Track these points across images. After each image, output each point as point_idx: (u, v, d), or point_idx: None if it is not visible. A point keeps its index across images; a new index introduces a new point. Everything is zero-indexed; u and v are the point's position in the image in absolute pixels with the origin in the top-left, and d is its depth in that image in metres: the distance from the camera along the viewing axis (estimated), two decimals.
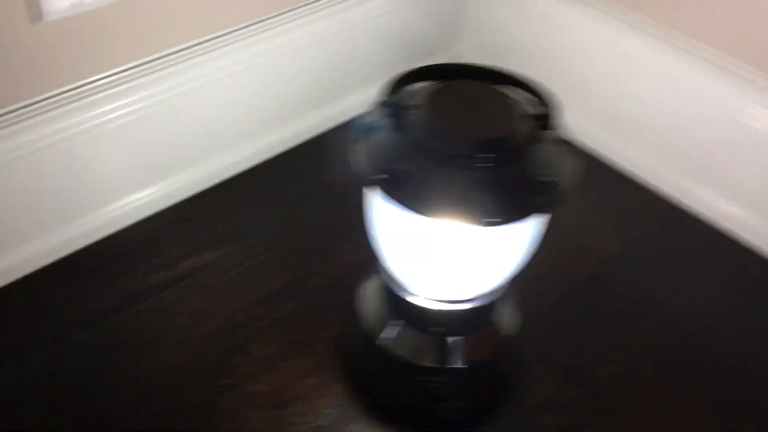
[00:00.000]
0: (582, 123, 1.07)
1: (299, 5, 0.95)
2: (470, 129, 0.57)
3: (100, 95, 0.82)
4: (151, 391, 0.76)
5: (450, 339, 0.70)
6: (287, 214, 0.95)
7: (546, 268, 0.91)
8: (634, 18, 0.97)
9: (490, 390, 0.76)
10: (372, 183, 0.57)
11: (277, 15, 0.93)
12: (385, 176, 0.57)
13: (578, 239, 0.96)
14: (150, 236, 0.91)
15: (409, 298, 0.69)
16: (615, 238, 0.96)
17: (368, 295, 0.76)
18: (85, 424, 0.73)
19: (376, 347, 0.73)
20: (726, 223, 0.96)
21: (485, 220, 0.55)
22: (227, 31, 0.90)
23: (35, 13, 0.72)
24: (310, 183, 0.99)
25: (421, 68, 0.63)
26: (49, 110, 0.79)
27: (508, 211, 0.56)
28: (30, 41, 0.74)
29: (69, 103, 0.80)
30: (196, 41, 0.87)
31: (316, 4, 0.96)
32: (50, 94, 0.78)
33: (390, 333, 0.72)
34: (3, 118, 0.76)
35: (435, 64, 0.63)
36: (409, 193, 0.56)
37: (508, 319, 0.74)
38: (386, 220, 0.63)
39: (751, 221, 0.94)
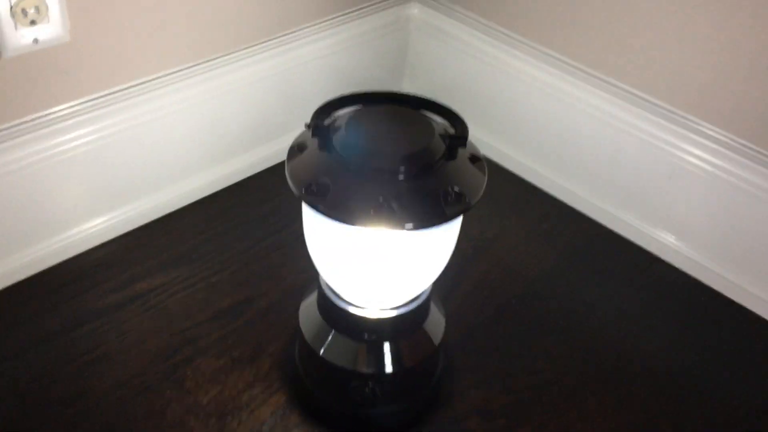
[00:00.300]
0: (515, 154, 1.15)
1: (248, 45, 1.02)
2: (387, 145, 0.64)
3: (57, 126, 0.87)
4: (100, 404, 0.80)
5: (381, 345, 0.76)
6: (234, 241, 1.01)
7: (479, 286, 0.98)
8: (555, 56, 1.06)
9: (422, 395, 0.81)
10: (299, 196, 0.63)
11: (226, 54, 1.00)
12: (311, 188, 0.63)
13: (510, 260, 1.02)
14: (104, 261, 0.96)
15: (342, 306, 0.74)
16: (545, 257, 1.03)
17: (308, 309, 0.81)
18: (34, 429, 0.76)
19: (315, 357, 0.77)
20: (647, 244, 1.04)
21: (399, 225, 0.61)
22: (178, 68, 0.96)
23: (1, 48, 0.78)
24: (257, 212, 1.05)
25: (348, 94, 0.69)
26: (9, 139, 0.84)
27: (420, 218, 0.62)
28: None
29: (28, 132, 0.85)
30: (148, 78, 0.94)
31: (264, 44, 1.04)
32: (10, 124, 0.84)
33: (326, 343, 0.77)
34: None
35: (361, 92, 0.70)
36: (331, 204, 0.62)
37: (436, 326, 0.79)
38: (315, 231, 0.69)
39: (668, 241, 1.02)
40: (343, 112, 0.69)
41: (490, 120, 1.17)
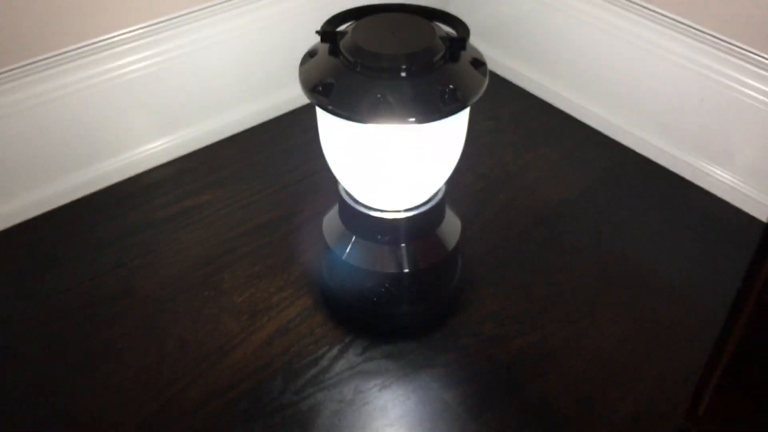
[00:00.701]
0: (551, 84, 1.17)
1: None
2: (389, 47, 0.68)
3: (112, 51, 0.96)
4: (144, 301, 0.88)
5: (397, 247, 0.80)
6: (275, 167, 1.07)
7: (507, 208, 1.01)
8: None
9: (438, 299, 0.85)
10: (306, 95, 0.69)
11: None
12: (317, 88, 0.68)
13: (540, 185, 1.04)
14: (157, 181, 1.05)
15: (360, 210, 0.79)
16: (575, 183, 1.04)
17: (331, 219, 0.86)
18: (85, 325, 0.86)
19: (337, 261, 0.83)
20: (680, 170, 1.04)
21: (397, 120, 0.66)
22: (223, 0, 1.03)
23: None
24: (297, 142, 1.11)
25: (358, 7, 0.74)
26: (71, 61, 0.93)
27: (417, 113, 0.66)
28: (47, 2, 0.88)
29: (87, 56, 0.94)
30: (195, 8, 1.01)
31: None
32: (70, 47, 0.93)
33: (347, 247, 0.82)
34: (29, 67, 0.91)
35: (368, 5, 0.74)
36: (335, 101, 0.67)
37: (450, 233, 0.83)
38: (325, 131, 0.74)
39: (701, 165, 1.01)
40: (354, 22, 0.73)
41: (527, 52, 1.18)
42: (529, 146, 1.11)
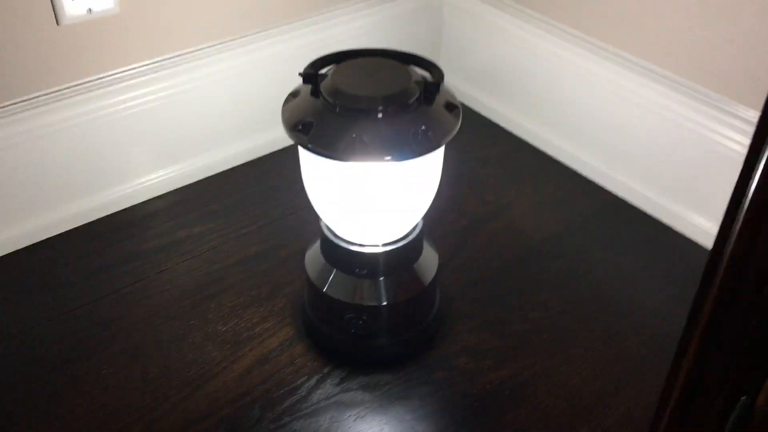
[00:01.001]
0: (536, 128, 1.21)
1: (285, 23, 1.12)
2: (366, 89, 0.72)
3: (109, 88, 1.00)
4: (132, 327, 0.91)
5: (375, 281, 0.83)
6: (266, 201, 1.11)
7: (487, 245, 1.04)
8: (578, 35, 1.11)
9: (415, 333, 0.88)
10: (287, 133, 0.72)
11: (264, 30, 1.11)
12: (297, 127, 0.72)
13: (521, 223, 1.07)
14: (152, 212, 1.08)
15: (339, 244, 0.82)
16: (555, 223, 1.07)
17: (313, 252, 0.89)
18: (73, 350, 0.89)
19: (318, 294, 0.86)
20: (657, 213, 1.07)
21: (371, 158, 0.69)
22: (219, 42, 1.08)
23: (60, 16, 0.92)
24: (289, 179, 1.14)
25: (338, 51, 0.78)
26: (69, 97, 0.98)
27: (390, 152, 0.70)
28: (55, 39, 0.93)
29: (84, 92, 0.99)
30: (191, 49, 1.06)
31: (300, 22, 1.14)
32: (68, 84, 0.97)
33: (328, 280, 0.85)
34: (35, 100, 0.95)
35: (349, 49, 0.78)
36: (312, 139, 0.71)
37: (427, 267, 0.86)
38: (306, 168, 0.77)
39: (677, 210, 1.04)
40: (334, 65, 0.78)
41: (515, 97, 1.23)
42: (512, 186, 1.14)
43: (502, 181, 1.15)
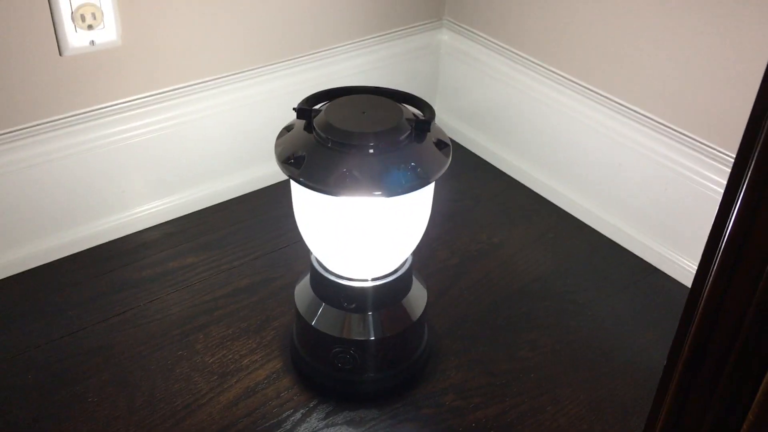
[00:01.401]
0: (529, 169, 1.22)
1: (283, 59, 1.15)
2: (357, 126, 0.73)
3: (107, 119, 1.02)
4: (121, 356, 0.91)
5: (363, 315, 0.84)
6: (259, 234, 1.12)
7: (478, 283, 1.04)
8: (571, 79, 1.13)
9: (403, 369, 0.88)
10: (279, 166, 0.74)
11: (263, 66, 1.13)
12: (289, 160, 0.73)
13: (512, 262, 1.08)
14: (145, 242, 1.09)
15: (328, 278, 0.83)
16: (545, 262, 1.08)
17: (303, 286, 0.90)
18: (59, 377, 0.89)
19: (307, 327, 0.86)
20: (646, 255, 1.08)
21: (360, 193, 0.70)
22: (218, 76, 1.10)
23: (63, 47, 0.94)
24: (281, 212, 1.16)
25: (333, 88, 0.80)
26: (68, 126, 0.99)
27: (380, 188, 0.71)
28: (57, 69, 0.95)
29: (83, 122, 1.00)
30: (191, 82, 1.07)
31: (299, 59, 1.16)
32: (68, 114, 0.99)
33: (317, 314, 0.86)
34: (34, 128, 0.97)
35: (344, 86, 0.80)
36: (304, 173, 0.72)
37: (416, 303, 0.87)
38: (297, 200, 0.78)
39: (664, 251, 1.05)
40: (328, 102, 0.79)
41: (509, 138, 1.24)
42: (504, 226, 1.15)
43: (495, 220, 1.16)
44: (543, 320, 0.99)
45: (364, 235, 0.77)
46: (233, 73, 1.11)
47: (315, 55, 1.18)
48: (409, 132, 0.74)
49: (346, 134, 0.72)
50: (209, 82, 1.09)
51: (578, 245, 1.12)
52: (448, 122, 1.33)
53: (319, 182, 0.71)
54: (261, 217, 1.15)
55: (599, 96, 1.09)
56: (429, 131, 0.75)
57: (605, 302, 1.02)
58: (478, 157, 1.30)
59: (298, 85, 1.16)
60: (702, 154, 0.98)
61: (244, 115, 1.14)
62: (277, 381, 0.89)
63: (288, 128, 0.78)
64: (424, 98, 0.79)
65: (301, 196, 0.77)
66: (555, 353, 0.94)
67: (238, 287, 1.02)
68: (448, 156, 0.76)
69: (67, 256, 1.06)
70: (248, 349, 0.93)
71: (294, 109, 0.76)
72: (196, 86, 1.08)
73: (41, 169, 0.99)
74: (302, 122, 0.76)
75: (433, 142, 0.76)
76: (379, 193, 0.71)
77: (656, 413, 0.57)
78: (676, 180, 1.01)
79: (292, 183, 0.77)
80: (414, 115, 0.77)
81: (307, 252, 0.86)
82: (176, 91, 1.07)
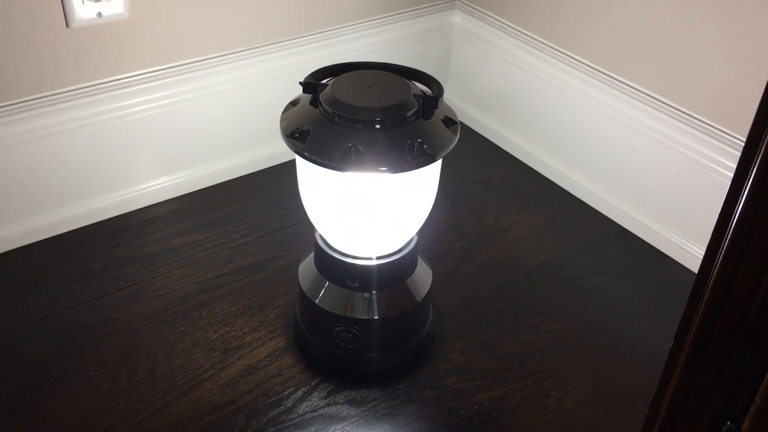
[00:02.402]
0: (539, 153, 1.21)
1: (293, 36, 1.13)
2: (364, 100, 0.72)
3: (114, 93, 1.01)
4: (122, 330, 0.91)
5: (367, 294, 0.83)
6: (265, 212, 1.11)
7: (484, 267, 1.03)
8: (583, 62, 1.11)
9: (406, 349, 0.87)
10: (284, 140, 0.73)
11: (272, 43, 1.12)
12: (294, 134, 0.72)
13: (519, 247, 1.07)
14: (151, 218, 1.09)
15: (333, 255, 0.82)
16: (553, 247, 1.07)
17: (307, 265, 0.89)
18: (61, 350, 0.88)
19: (310, 305, 0.86)
20: (656, 242, 1.06)
21: (365, 168, 0.69)
22: (226, 52, 1.08)
23: (69, 19, 0.93)
24: (288, 191, 1.15)
25: (339, 63, 0.78)
26: (74, 99, 0.99)
27: (385, 164, 0.70)
28: (64, 41, 0.94)
29: (89, 95, 0.99)
30: (198, 58, 1.06)
31: (309, 36, 1.15)
32: (73, 87, 0.98)
33: (320, 292, 0.85)
34: (39, 101, 0.96)
35: (352, 62, 0.79)
36: (308, 147, 0.71)
37: (420, 284, 0.86)
38: (301, 176, 0.78)
39: (675, 238, 1.04)
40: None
41: (519, 121, 1.23)
42: (512, 210, 1.14)
43: (503, 204, 1.15)
44: (549, 305, 0.98)
45: (369, 212, 0.76)
46: (241, 50, 1.10)
47: (324, 33, 1.16)
48: (416, 108, 0.73)
49: (353, 109, 0.71)
50: (217, 59, 1.08)
51: (587, 231, 1.11)
52: (459, 105, 1.32)
53: (324, 157, 0.70)
54: (267, 196, 1.15)
55: (612, 80, 1.07)
56: (437, 108, 0.74)
57: (612, 288, 1.01)
58: (488, 140, 1.29)
59: (306, 64, 1.15)
60: (716, 139, 0.97)
61: (251, 93, 1.13)
62: (280, 359, 0.89)
63: (294, 103, 0.77)
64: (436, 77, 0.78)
65: (306, 172, 0.76)
66: (560, 338, 0.93)
67: (242, 265, 1.02)
68: (455, 134, 0.74)
69: (72, 231, 1.05)
70: (251, 327, 0.93)
71: (300, 83, 0.75)
72: (203, 62, 1.07)
73: (46, 143, 0.99)
74: (308, 97, 0.75)
75: (441, 120, 0.75)
76: (385, 169, 0.70)
77: (661, 395, 0.56)
78: (688, 165, 1.00)
79: (297, 158, 0.76)
80: (422, 91, 0.76)
81: (311, 231, 0.85)
82: (184, 67, 1.06)
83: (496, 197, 1.17)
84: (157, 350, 0.89)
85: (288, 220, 1.10)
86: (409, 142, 0.71)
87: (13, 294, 0.95)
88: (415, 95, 0.74)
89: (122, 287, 0.97)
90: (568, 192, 1.17)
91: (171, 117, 1.07)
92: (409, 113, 0.72)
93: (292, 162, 1.24)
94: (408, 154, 0.70)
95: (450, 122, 0.75)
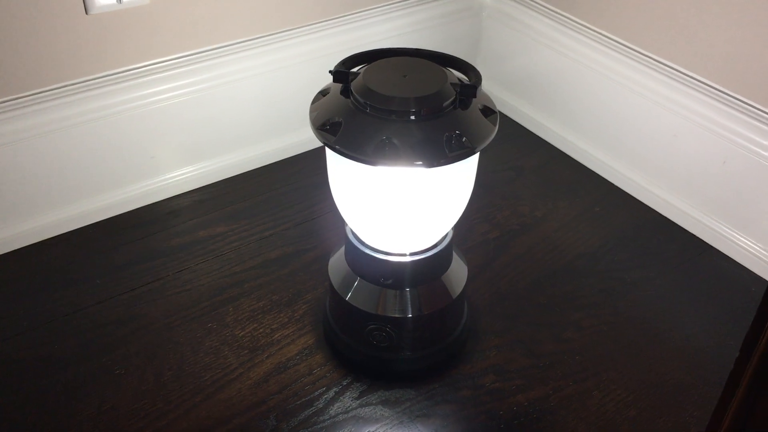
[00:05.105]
0: (574, 139, 1.16)
1: (319, 20, 1.09)
2: (398, 90, 0.68)
3: (135, 81, 0.98)
4: (148, 327, 0.89)
5: (401, 291, 0.79)
6: (291, 203, 1.08)
7: (520, 259, 0.99)
8: (622, 43, 1.06)
9: (441, 347, 0.84)
10: (314, 132, 0.69)
11: (297, 27, 1.08)
12: (325, 126, 0.68)
13: (556, 237, 1.03)
14: (175, 209, 1.06)
15: (365, 252, 0.78)
16: (592, 238, 1.02)
17: (337, 259, 0.86)
18: (86, 347, 0.86)
19: (341, 302, 0.82)
20: (700, 232, 1.02)
21: (400, 163, 0.65)
22: (250, 38, 1.05)
23: (89, 5, 0.89)
24: (315, 180, 1.12)
25: (370, 50, 0.74)
26: (95, 88, 0.96)
27: (421, 158, 0.66)
28: (83, 28, 0.91)
29: (111, 84, 0.96)
30: (221, 44, 1.03)
31: (335, 20, 1.11)
32: (94, 76, 0.95)
33: (351, 289, 0.82)
34: (59, 90, 0.93)
35: (383, 48, 0.75)
36: (340, 140, 0.67)
37: (456, 280, 0.82)
38: (333, 170, 0.74)
39: (721, 229, 0.99)
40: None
41: (553, 106, 1.18)
42: (547, 198, 1.10)
43: (537, 192, 1.11)
44: (588, 299, 0.94)
45: (403, 207, 0.72)
46: (266, 34, 1.06)
47: (349, 17, 1.12)
48: (453, 98, 0.69)
49: (386, 99, 0.67)
50: (240, 44, 1.04)
51: (626, 220, 1.06)
52: (490, 89, 1.27)
53: (357, 150, 0.66)
54: (292, 185, 1.11)
55: (653, 61, 1.02)
56: (475, 97, 0.70)
57: (655, 281, 0.96)
58: (521, 125, 1.24)
59: (332, 48, 1.11)
60: (766, 124, 0.91)
61: (276, 79, 1.09)
62: (310, 357, 0.86)
63: (323, 92, 0.73)
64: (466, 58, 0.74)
65: (337, 165, 0.73)
66: (601, 334, 0.89)
67: (268, 258, 0.99)
68: (495, 124, 0.70)
69: (93, 224, 1.03)
70: (279, 323, 0.90)
71: (330, 71, 0.71)
72: (227, 48, 1.03)
73: (67, 134, 0.96)
74: (338, 86, 0.71)
75: (479, 109, 0.70)
76: (421, 163, 0.66)
77: (723, 409, 0.52)
78: (736, 152, 0.94)
79: (328, 151, 0.73)
80: (458, 79, 0.72)
81: (340, 223, 0.82)
82: (206, 53, 1.02)
83: (530, 185, 1.13)
84: (184, 348, 0.86)
85: (313, 212, 1.06)
86: (447, 134, 0.67)
87: (36, 290, 0.93)
88: (451, 84, 0.70)
89: (148, 282, 0.94)
90: (606, 179, 1.12)
91: (194, 105, 1.04)
92: (446, 103, 0.68)
93: (317, 150, 1.22)
94: (446, 147, 0.66)
95: (488, 112, 0.71)
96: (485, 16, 1.24)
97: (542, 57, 1.17)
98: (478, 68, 1.29)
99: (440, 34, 1.22)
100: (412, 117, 0.67)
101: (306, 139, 1.16)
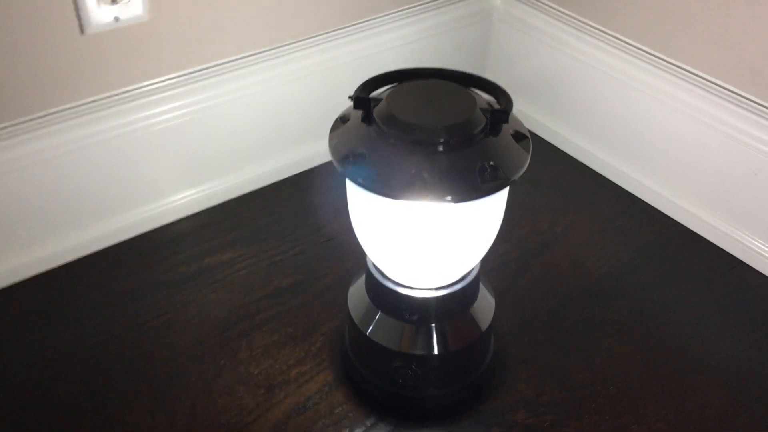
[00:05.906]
0: (592, 148, 1.11)
1: (325, 31, 1.04)
2: (426, 117, 0.63)
3: (136, 102, 0.92)
4: (157, 366, 0.83)
5: (426, 327, 0.75)
6: (300, 225, 1.03)
7: (543, 279, 0.95)
8: (639, 47, 1.01)
9: (468, 383, 0.79)
10: (336, 165, 0.64)
11: (303, 39, 1.02)
12: (348, 159, 0.63)
13: (579, 255, 0.98)
14: (178, 235, 1.01)
15: (388, 286, 0.74)
16: (616, 255, 0.98)
17: (357, 291, 0.81)
18: (92, 390, 0.81)
19: (362, 338, 0.78)
20: (729, 247, 0.97)
21: (431, 198, 0.61)
22: (253, 52, 0.99)
23: (84, 24, 0.84)
24: (325, 199, 1.07)
25: (394, 70, 0.69)
26: (94, 112, 0.90)
27: (453, 192, 0.61)
28: (79, 49, 0.86)
29: (110, 107, 0.91)
30: (223, 60, 0.97)
31: (343, 30, 1.05)
32: (92, 98, 0.90)
33: (372, 323, 0.77)
34: (55, 116, 0.88)
35: (404, 69, 0.69)
36: (366, 174, 0.62)
37: (484, 312, 0.77)
38: (355, 203, 0.69)
39: (753, 244, 0.95)
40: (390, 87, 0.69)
41: (569, 113, 1.14)
42: (567, 212, 1.05)
43: (556, 206, 1.06)
44: (618, 323, 0.89)
45: (430, 242, 0.67)
46: (268, 48, 1.00)
47: (355, 26, 1.06)
48: (484, 124, 0.64)
49: (412, 128, 0.62)
50: (242, 60, 0.99)
51: (650, 234, 1.02)
52: None
53: (384, 185, 0.62)
54: (299, 206, 1.06)
55: (676, 68, 0.98)
56: (507, 123, 0.65)
57: (685, 300, 0.92)
58: (536, 135, 1.19)
59: (337, 60, 1.06)
60: None
61: (279, 95, 1.04)
62: (330, 395, 0.81)
63: (343, 119, 0.68)
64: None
65: (359, 198, 0.68)
66: (635, 361, 0.85)
67: (279, 287, 0.94)
68: (527, 150, 0.66)
69: (93, 253, 0.97)
70: (296, 359, 0.85)
71: (350, 97, 0.66)
72: (228, 64, 0.98)
73: (64, 160, 0.90)
74: (359, 112, 0.66)
75: (511, 135, 0.66)
76: (452, 198, 0.61)
77: None
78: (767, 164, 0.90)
79: (349, 182, 0.68)
80: (487, 102, 0.67)
81: (353, 246, 0.77)
82: (208, 71, 0.97)
83: (547, 198, 1.08)
84: (196, 388, 0.81)
85: (324, 234, 1.01)
86: (480, 164, 0.62)
87: (31, 328, 0.88)
88: (481, 109, 0.65)
89: (154, 317, 0.89)
90: (626, 191, 1.08)
91: (195, 125, 0.98)
92: (476, 131, 0.63)
93: (323, 167, 1.17)
94: (479, 179, 0.62)
95: (520, 137, 0.66)
96: (495, 20, 1.19)
97: (556, 62, 1.13)
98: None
99: (449, 40, 1.17)
100: (441, 147, 0.62)
101: (309, 155, 1.11)
